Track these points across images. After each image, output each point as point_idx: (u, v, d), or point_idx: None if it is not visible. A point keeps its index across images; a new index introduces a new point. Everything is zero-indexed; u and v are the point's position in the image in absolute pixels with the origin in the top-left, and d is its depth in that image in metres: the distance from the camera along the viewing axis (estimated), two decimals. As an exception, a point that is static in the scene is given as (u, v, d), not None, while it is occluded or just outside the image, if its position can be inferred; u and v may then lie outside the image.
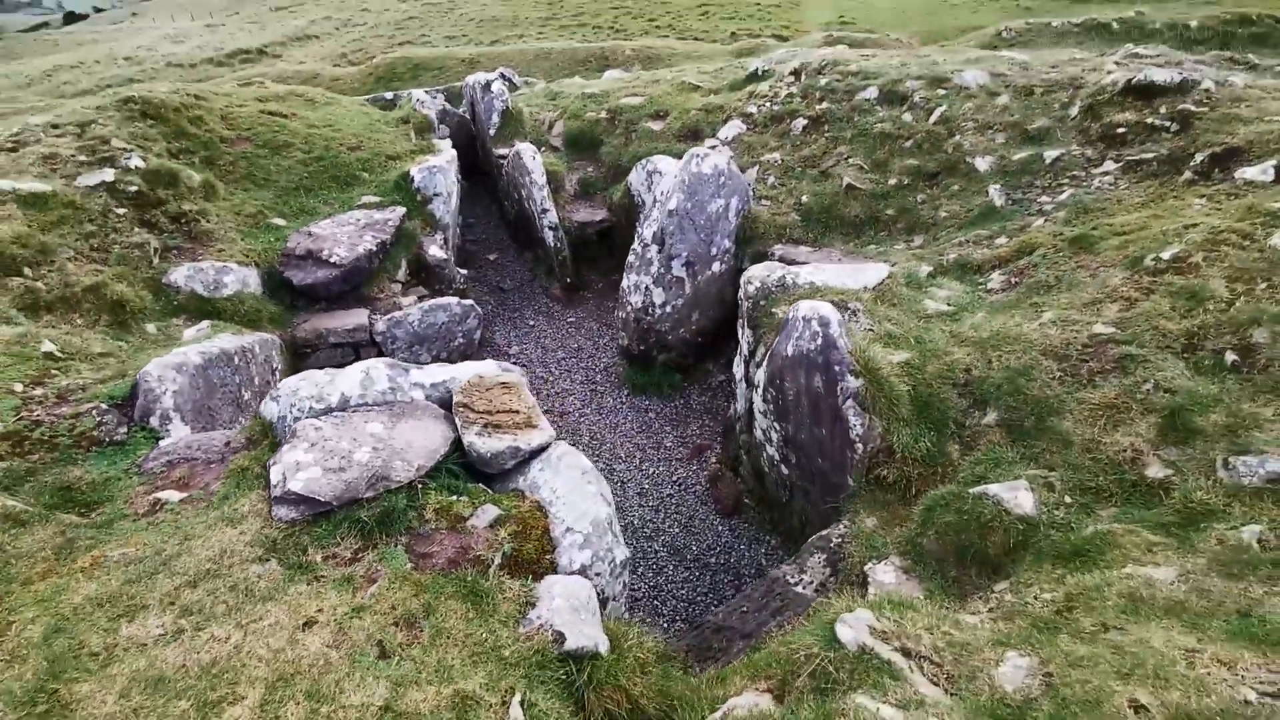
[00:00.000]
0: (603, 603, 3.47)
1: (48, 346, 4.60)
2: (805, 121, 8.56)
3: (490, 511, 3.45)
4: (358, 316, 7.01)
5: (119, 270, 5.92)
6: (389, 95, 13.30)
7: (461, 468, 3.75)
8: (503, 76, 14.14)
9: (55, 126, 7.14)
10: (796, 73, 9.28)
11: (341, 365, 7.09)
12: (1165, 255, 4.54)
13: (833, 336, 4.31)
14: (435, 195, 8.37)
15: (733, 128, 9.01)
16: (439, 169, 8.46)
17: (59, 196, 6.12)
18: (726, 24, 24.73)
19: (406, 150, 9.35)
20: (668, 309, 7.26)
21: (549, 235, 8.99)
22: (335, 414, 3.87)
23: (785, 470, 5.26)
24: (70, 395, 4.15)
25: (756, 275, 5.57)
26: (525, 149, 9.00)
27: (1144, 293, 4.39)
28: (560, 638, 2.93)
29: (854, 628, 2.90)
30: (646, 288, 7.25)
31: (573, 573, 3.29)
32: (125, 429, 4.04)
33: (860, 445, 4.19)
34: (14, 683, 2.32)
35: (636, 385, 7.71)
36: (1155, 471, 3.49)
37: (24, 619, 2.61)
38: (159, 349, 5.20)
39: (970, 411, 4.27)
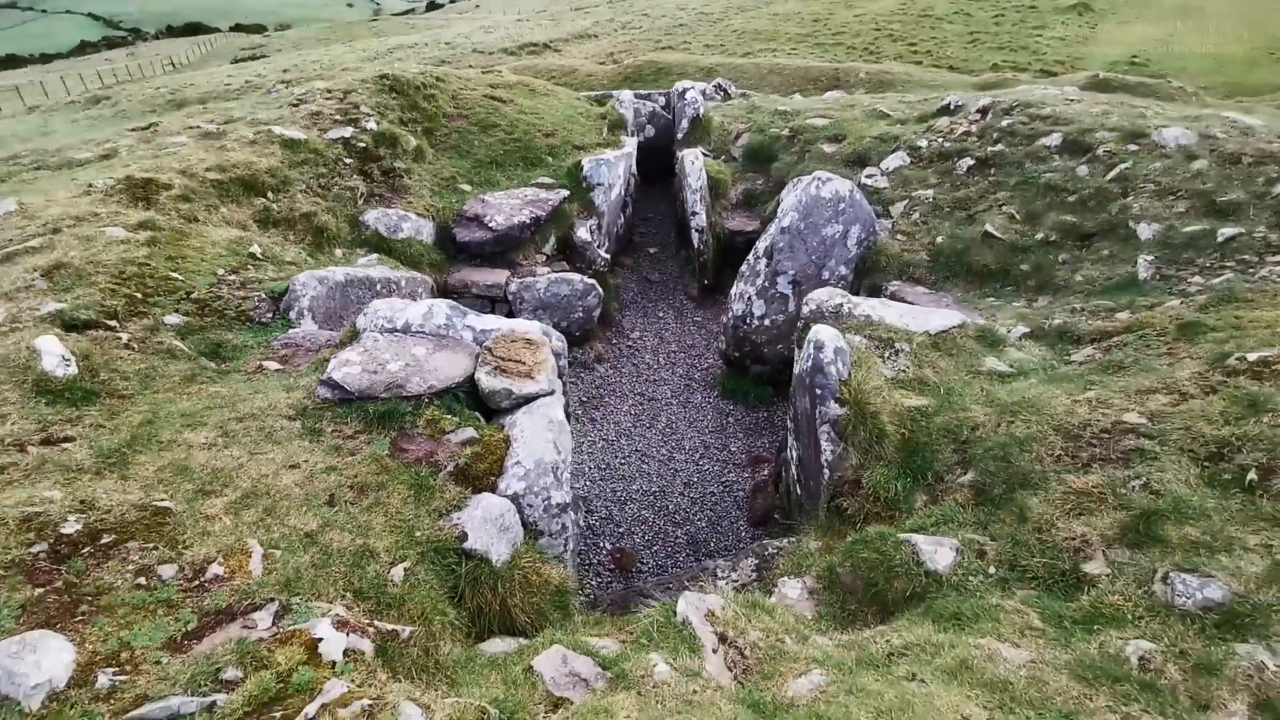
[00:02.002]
0: (536, 534, 4.04)
1: (255, 249, 6.21)
2: (972, 162, 8.16)
3: (467, 432, 4.18)
4: (498, 276, 8.20)
5: (330, 205, 7.63)
6: (614, 93, 14.70)
7: (470, 397, 4.54)
8: (718, 87, 14.85)
9: (329, 92, 9.23)
10: (983, 110, 8.81)
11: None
12: (1251, 356, 3.95)
13: (822, 361, 4.40)
14: (598, 185, 9.34)
15: (897, 159, 8.83)
16: (606, 162, 9.42)
17: (308, 143, 8.01)
18: (992, 55, 23.01)
19: (593, 143, 10.47)
20: (765, 322, 7.49)
21: (695, 237, 9.56)
22: (397, 334, 4.86)
23: (799, 490, 5.36)
24: (250, 284, 5.64)
25: (815, 298, 5.67)
26: (689, 154, 9.63)
27: (1204, 391, 3.89)
28: (464, 536, 3.58)
29: (690, 604, 3.18)
30: (749, 298, 7.54)
31: (506, 496, 3.90)
32: (271, 315, 5.42)
33: (827, 471, 4.26)
34: (106, 441, 3.54)
35: (726, 389, 8.03)
36: (1093, 568, 3.22)
37: (136, 410, 3.87)
38: (331, 266, 6.71)
39: (954, 468, 4.13)
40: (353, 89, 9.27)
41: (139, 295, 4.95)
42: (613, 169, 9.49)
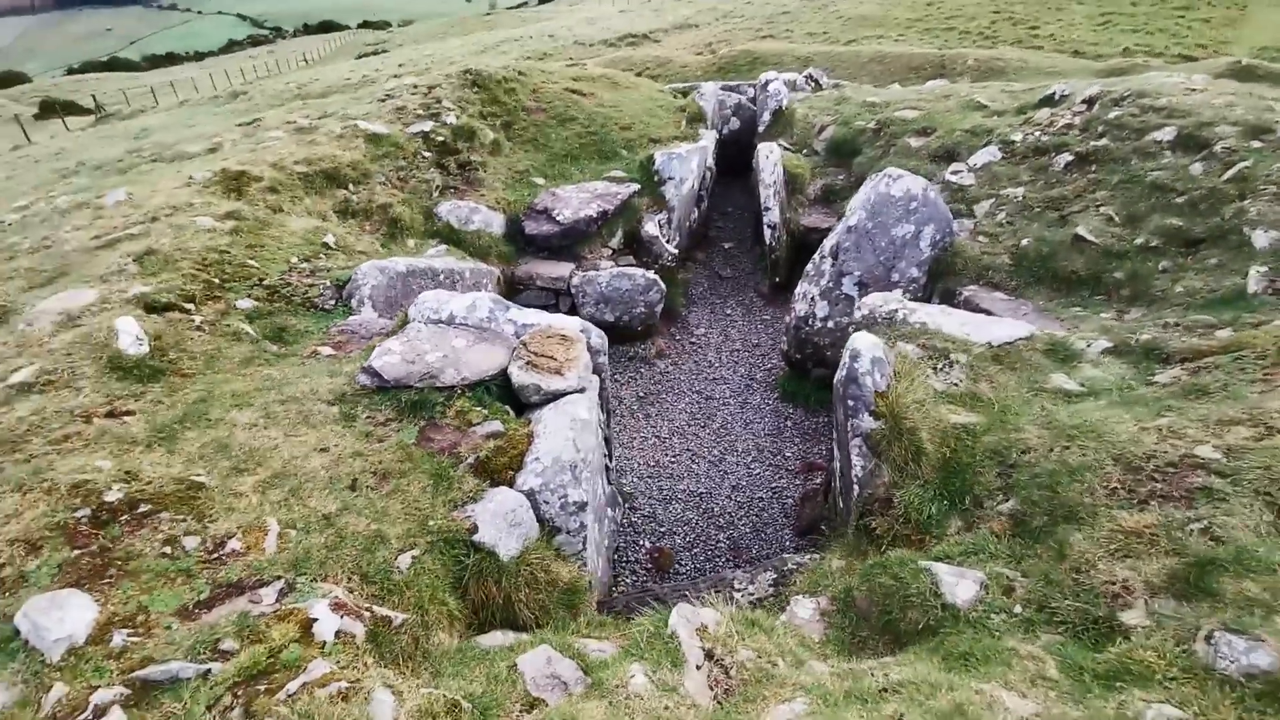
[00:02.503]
0: (553, 531, 4.07)
1: (329, 238, 6.58)
2: (1071, 158, 7.51)
3: (493, 425, 4.26)
4: (563, 269, 8.30)
5: (406, 197, 7.96)
6: (699, 85, 14.51)
7: (503, 390, 4.62)
8: (809, 77, 14.37)
9: (415, 88, 9.62)
10: (1090, 100, 8.07)
11: (544, 306, 8.51)
12: (1363, 389, 3.43)
13: (857, 371, 4.17)
14: (669, 179, 9.26)
15: (986, 154, 8.25)
16: (678, 156, 9.32)
17: (390, 137, 8.39)
18: (1125, 38, 20.98)
19: (670, 136, 10.39)
20: (829, 324, 7.20)
21: (767, 233, 9.32)
22: (441, 324, 5.02)
23: (842, 503, 5.14)
24: (319, 272, 5.98)
25: (869, 303, 5.40)
26: (764, 148, 9.38)
27: (1299, 426, 3.41)
28: (474, 529, 3.65)
29: (682, 616, 3.11)
30: (812, 298, 7.28)
31: (522, 491, 3.95)
32: (334, 302, 5.73)
33: (857, 488, 4.06)
34: (161, 417, 3.85)
35: (786, 392, 7.80)
36: (1130, 617, 2.90)
37: (194, 389, 4.19)
38: (402, 256, 7.02)
39: (995, 494, 3.82)
40: (437, 84, 9.63)
41: (217, 281, 5.35)
42: (685, 163, 9.38)
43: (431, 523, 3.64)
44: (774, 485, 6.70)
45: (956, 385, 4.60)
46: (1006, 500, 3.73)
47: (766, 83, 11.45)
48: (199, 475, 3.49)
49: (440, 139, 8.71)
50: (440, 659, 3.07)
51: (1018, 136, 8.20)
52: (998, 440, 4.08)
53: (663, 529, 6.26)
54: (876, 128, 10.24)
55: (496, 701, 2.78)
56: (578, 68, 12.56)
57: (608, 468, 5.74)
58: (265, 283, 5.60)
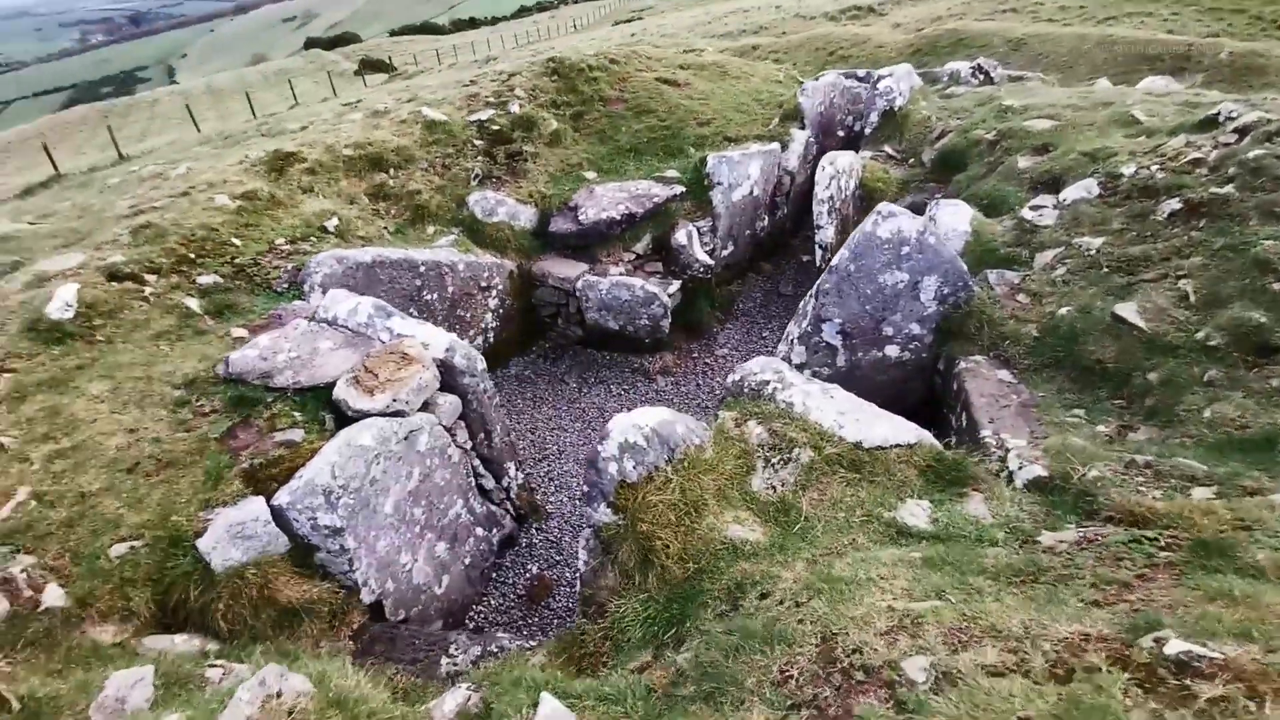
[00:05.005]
0: (309, 549, 4.17)
1: (333, 222, 7.14)
2: (1179, 205, 5.68)
3: (293, 434, 4.43)
4: (575, 270, 8.16)
5: (442, 184, 8.32)
6: (820, 77, 13.06)
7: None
8: (978, 68, 12.29)
9: (498, 74, 9.92)
10: (1242, 130, 5.99)
11: (555, 305, 8.47)
12: (1172, 648, 2.29)
13: (599, 455, 3.62)
14: (718, 184, 8.59)
15: (1081, 189, 6.52)
16: (729, 160, 8.59)
17: (446, 125, 8.78)
18: None
19: (751, 135, 9.60)
20: (806, 374, 6.30)
21: (816, 254, 8.31)
22: (323, 324, 5.27)
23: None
24: (293, 255, 6.54)
25: (745, 368, 4.66)
26: (828, 156, 8.27)
27: (1052, 673, 2.38)
28: (202, 533, 3.87)
29: (260, 680, 3.04)
30: (792, 340, 6.42)
31: (272, 505, 4.08)
32: (287, 286, 6.25)
33: (579, 584, 3.60)
34: (32, 377, 4.55)
35: (767, 436, 6.99)
36: None
37: (85, 355, 4.87)
38: (417, 244, 7.44)
39: (694, 635, 3.17)
40: (518, 71, 9.84)
41: (191, 255, 6.09)
42: (737, 168, 8.63)
43: (174, 518, 3.93)
44: (697, 538, 6.12)
45: (774, 489, 3.84)
46: (694, 647, 3.09)
47: (879, 79, 10.01)
48: (9, 436, 4.10)
49: (495, 128, 8.92)
50: (74, 652, 3.35)
51: (1129, 169, 6.35)
52: (753, 571, 3.36)
53: (559, 558, 6.06)
54: (994, 139, 8.54)
55: (58, 708, 2.99)
56: (691, 54, 11.94)
57: (483, 489, 5.67)
58: (236, 261, 6.26)
